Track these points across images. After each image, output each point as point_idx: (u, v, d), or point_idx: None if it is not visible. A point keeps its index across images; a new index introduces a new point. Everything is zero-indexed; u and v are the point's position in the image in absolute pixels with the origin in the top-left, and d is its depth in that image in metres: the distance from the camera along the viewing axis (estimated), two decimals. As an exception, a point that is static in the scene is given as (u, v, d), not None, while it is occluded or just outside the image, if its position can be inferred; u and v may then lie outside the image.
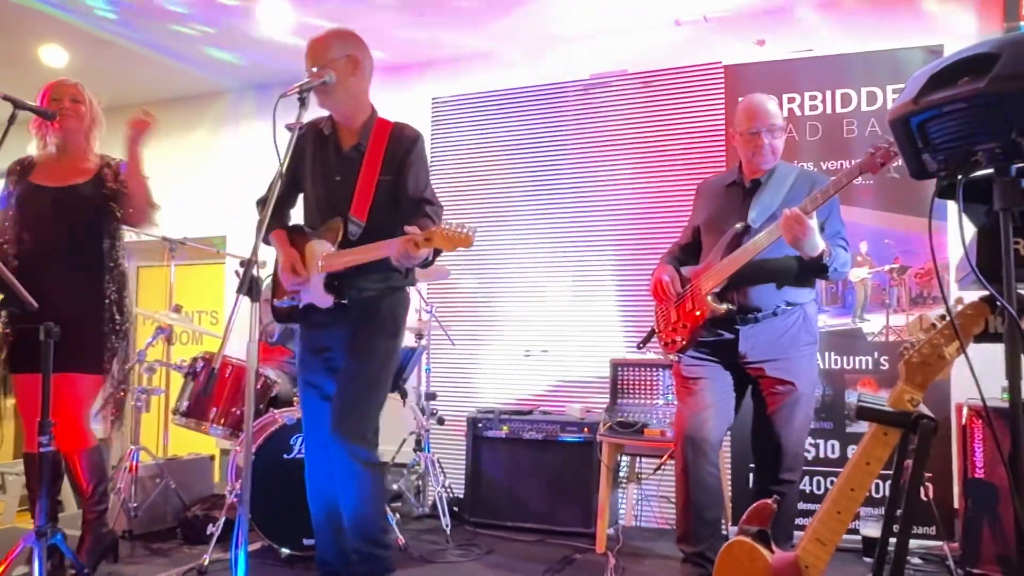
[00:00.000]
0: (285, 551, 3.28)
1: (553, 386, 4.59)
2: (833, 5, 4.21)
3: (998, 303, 1.46)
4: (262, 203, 2.73)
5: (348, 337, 2.56)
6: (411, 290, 2.80)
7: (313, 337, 2.65)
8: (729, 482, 3.81)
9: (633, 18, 4.52)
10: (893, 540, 1.63)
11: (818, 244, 2.67)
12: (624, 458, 4.03)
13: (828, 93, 3.88)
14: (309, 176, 2.70)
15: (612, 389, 3.94)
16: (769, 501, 1.84)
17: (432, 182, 4.89)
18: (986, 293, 1.56)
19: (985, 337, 1.65)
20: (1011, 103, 1.35)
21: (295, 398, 3.69)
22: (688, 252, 3.16)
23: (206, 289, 5.98)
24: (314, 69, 2.52)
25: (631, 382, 3.91)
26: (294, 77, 2.47)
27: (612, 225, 4.55)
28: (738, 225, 2.88)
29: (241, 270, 2.17)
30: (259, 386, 3.77)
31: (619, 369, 3.93)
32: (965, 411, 3.31)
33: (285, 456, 3.37)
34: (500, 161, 4.85)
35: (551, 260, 4.68)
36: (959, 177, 1.43)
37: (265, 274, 3.81)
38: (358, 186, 2.54)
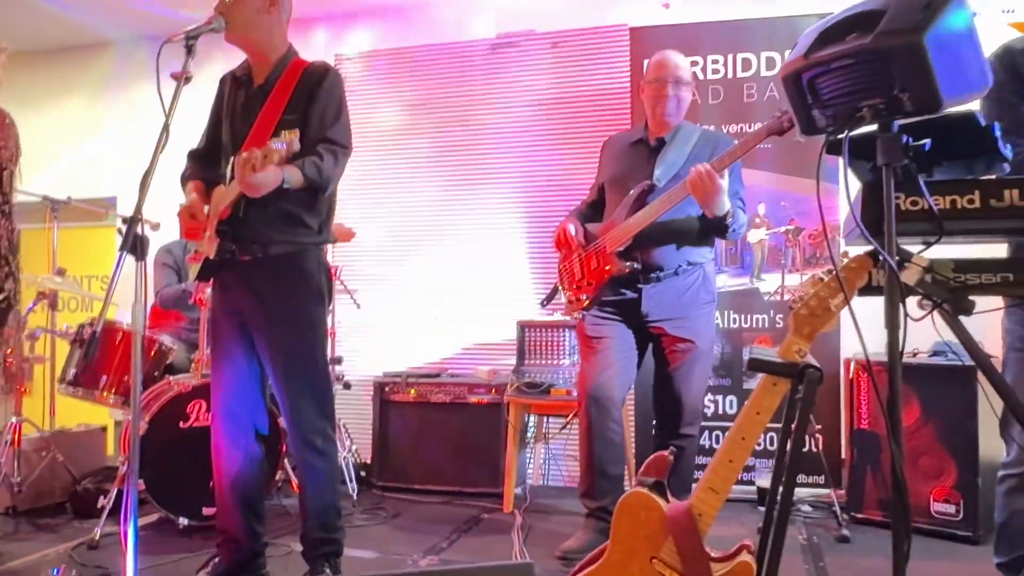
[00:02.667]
0: (183, 521, 3.18)
1: (461, 348, 4.58)
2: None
3: (880, 256, 1.51)
4: (193, 155, 2.63)
5: (264, 304, 2.41)
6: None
7: (223, 299, 2.52)
8: (633, 439, 3.91)
9: (541, -23, 4.48)
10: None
11: (725, 203, 2.72)
12: (531, 418, 4.08)
13: (730, 57, 3.95)
14: (224, 121, 2.56)
15: (519, 350, 3.95)
16: (665, 453, 1.88)
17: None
18: (871, 248, 1.61)
19: (869, 290, 1.71)
20: (894, 58, 1.39)
21: (192, 365, 3.56)
22: (595, 209, 3.18)
23: (96, 253, 5.66)
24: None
25: (537, 343, 3.93)
26: (186, 26, 2.31)
27: (520, 186, 4.53)
28: (644, 183, 2.92)
29: (125, 228, 2.04)
30: (153, 353, 3.61)
31: (525, 330, 3.95)
32: (853, 366, 3.48)
33: (181, 424, 3.25)
34: (406, 120, 4.74)
35: (458, 221, 4.63)
36: (844, 132, 1.46)
37: (152, 232, 3.64)
38: (255, 125, 2.40)
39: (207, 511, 3.14)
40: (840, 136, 1.48)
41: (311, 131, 2.36)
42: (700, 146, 2.95)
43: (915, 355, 3.38)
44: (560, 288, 3.16)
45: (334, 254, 4.63)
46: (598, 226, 3.03)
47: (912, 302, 1.62)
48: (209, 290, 2.61)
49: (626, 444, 3.96)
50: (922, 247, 1.64)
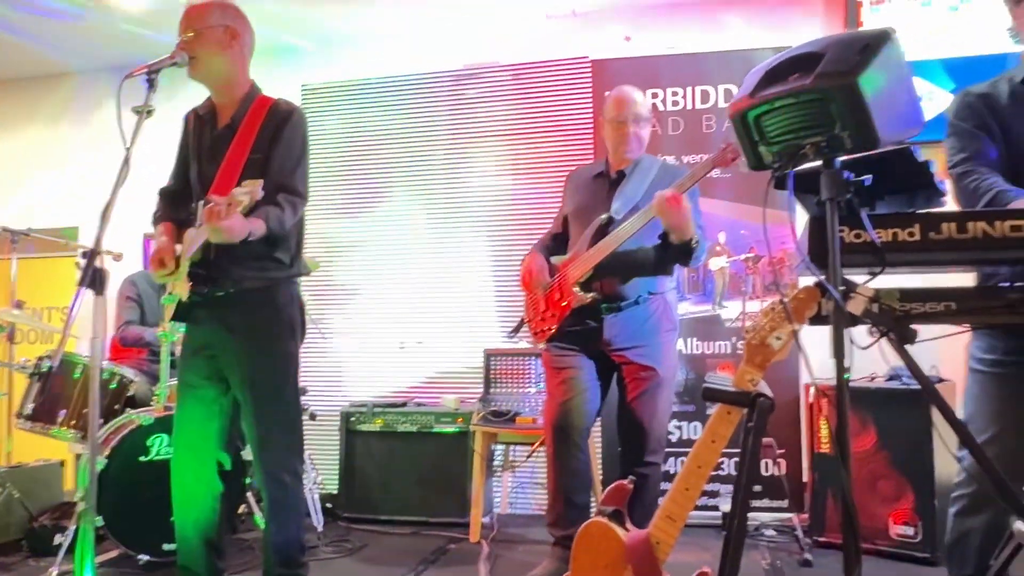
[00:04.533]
0: (143, 558, 3.13)
1: (428, 377, 4.57)
2: (695, 5, 4.38)
3: (825, 288, 1.56)
4: (163, 194, 2.64)
5: (235, 339, 2.41)
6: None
7: (193, 336, 2.52)
8: (600, 467, 3.93)
9: (504, 10, 4.55)
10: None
11: (692, 227, 2.77)
12: (499, 447, 4.08)
13: (689, 89, 4.05)
14: (192, 162, 2.57)
15: (485, 379, 3.97)
16: (625, 482, 1.90)
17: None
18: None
19: (819, 320, 1.76)
20: (833, 99, 1.44)
21: (153, 398, 3.52)
22: (559, 241, 3.22)
23: (57, 283, 5.58)
24: (188, 35, 2.41)
25: (504, 371, 3.95)
26: (150, 58, 2.33)
27: (485, 215, 4.57)
28: (603, 216, 2.97)
29: (83, 261, 2.04)
30: (113, 386, 3.57)
31: (492, 359, 3.97)
32: (813, 390, 3.54)
33: (141, 458, 3.21)
34: (372, 150, 4.76)
35: (425, 251, 4.64)
36: (789, 169, 1.52)
37: (115, 263, 3.61)
38: (223, 165, 2.41)
39: (167, 547, 3.09)
40: (785, 172, 1.53)
41: (272, 173, 2.37)
42: (659, 178, 3.00)
43: (872, 379, 3.45)
44: (526, 320, 3.20)
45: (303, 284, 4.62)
46: (561, 259, 3.08)
47: (863, 329, 1.67)
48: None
49: (593, 473, 3.99)
50: (868, 277, 1.69)
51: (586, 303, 2.92)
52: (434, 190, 4.66)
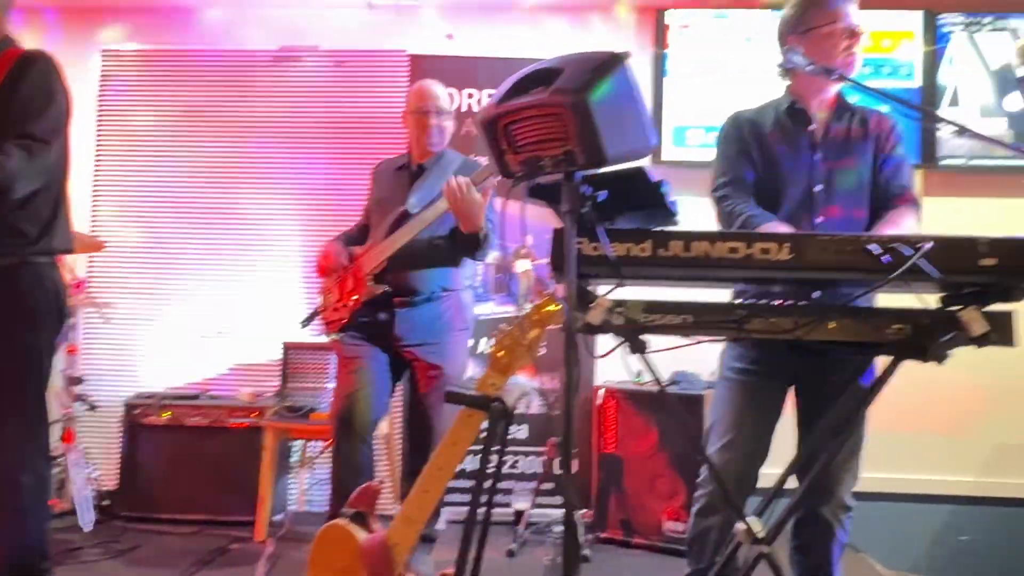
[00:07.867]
0: None
1: (227, 369, 4.36)
2: (519, 9, 4.43)
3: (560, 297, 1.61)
4: None
5: None
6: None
7: None
8: (399, 463, 3.90)
9: (328, -6, 4.43)
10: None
11: (482, 218, 2.80)
12: (297, 443, 3.97)
13: (505, 93, 4.08)
14: None
15: (283, 372, 3.85)
16: (375, 484, 1.89)
17: (97, 143, 4.39)
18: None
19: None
20: (567, 114, 1.49)
21: None
22: (364, 233, 3.18)
23: None
24: None
25: (303, 365, 3.86)
26: None
27: (295, 203, 4.41)
28: (399, 209, 2.95)
29: None
30: None
31: (290, 352, 3.85)
32: (601, 393, 3.69)
33: None
34: (178, 126, 4.46)
35: (229, 236, 4.42)
36: (526, 180, 1.56)
37: None
38: None
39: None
40: (524, 182, 1.56)
41: (8, 124, 2.14)
42: (459, 173, 3.01)
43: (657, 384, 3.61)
44: (319, 311, 3.14)
45: (88, 265, 4.29)
46: (358, 249, 3.03)
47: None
48: None
49: (393, 469, 3.97)
50: (609, 288, 1.77)
51: (377, 295, 2.90)
52: (245, 172, 4.43)
